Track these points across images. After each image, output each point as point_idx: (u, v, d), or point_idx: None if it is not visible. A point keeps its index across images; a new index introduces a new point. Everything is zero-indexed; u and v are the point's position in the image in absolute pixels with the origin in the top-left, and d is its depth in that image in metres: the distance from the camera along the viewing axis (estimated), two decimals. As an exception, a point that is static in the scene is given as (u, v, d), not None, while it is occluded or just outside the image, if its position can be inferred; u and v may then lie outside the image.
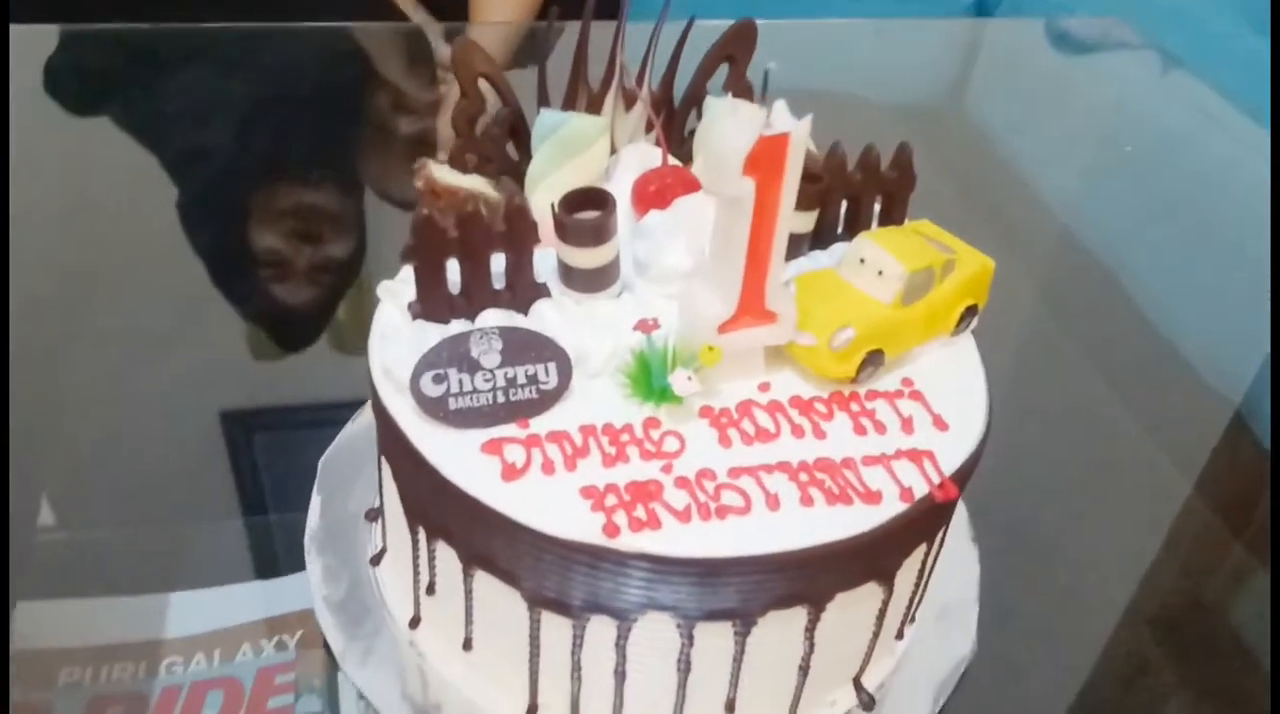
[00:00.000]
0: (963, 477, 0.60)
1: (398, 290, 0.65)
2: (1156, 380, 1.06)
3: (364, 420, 0.82)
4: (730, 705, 0.62)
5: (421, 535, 0.63)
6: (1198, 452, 0.97)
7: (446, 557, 0.61)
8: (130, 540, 0.80)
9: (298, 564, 0.75)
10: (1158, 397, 1.03)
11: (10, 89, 1.14)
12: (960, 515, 0.78)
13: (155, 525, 0.80)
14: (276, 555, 0.77)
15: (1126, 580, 0.83)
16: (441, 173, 0.67)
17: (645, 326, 0.61)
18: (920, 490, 0.57)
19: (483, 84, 0.71)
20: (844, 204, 0.70)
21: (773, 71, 0.72)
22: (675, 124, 0.76)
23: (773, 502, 0.56)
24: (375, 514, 0.74)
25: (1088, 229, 1.28)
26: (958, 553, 0.75)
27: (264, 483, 0.87)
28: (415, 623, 0.69)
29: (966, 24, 1.81)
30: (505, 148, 0.72)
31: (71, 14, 1.41)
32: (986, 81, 1.58)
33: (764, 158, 0.54)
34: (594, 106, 0.73)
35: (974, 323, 0.67)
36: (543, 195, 0.68)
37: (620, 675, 0.60)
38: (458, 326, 0.62)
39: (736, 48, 0.74)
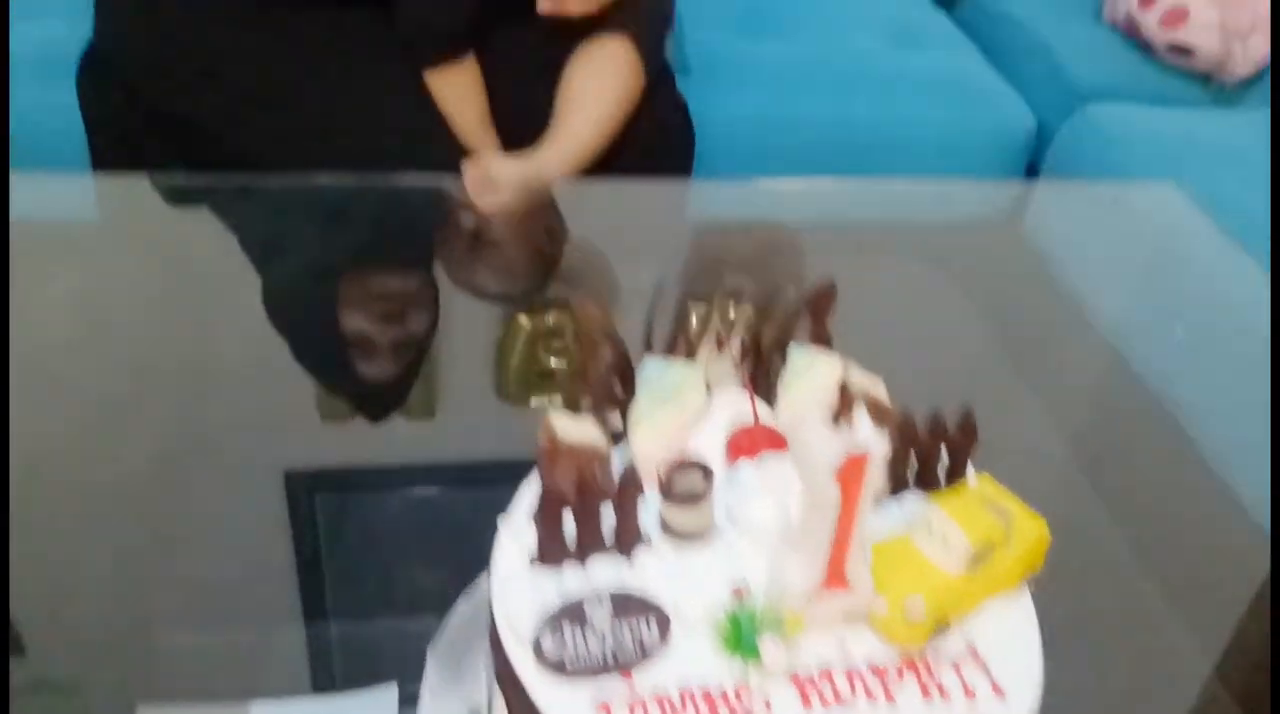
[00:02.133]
0: (1015, 743, 0.67)
1: (516, 527, 0.74)
2: (1203, 527, 1.09)
3: (467, 609, 0.90)
4: None
5: (530, 763, 0.71)
6: (1228, 618, 1.01)
7: (552, 788, 0.69)
8: (206, 647, 0.87)
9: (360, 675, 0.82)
10: (1202, 549, 1.07)
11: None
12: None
13: (230, 631, 0.88)
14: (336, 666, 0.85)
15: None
16: (561, 426, 0.75)
17: (735, 593, 0.69)
18: (976, 758, 0.65)
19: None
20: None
21: None
22: (762, 369, 0.84)
23: (846, 768, 0.63)
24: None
25: (1143, 365, 1.33)
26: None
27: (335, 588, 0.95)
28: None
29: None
30: (614, 388, 0.81)
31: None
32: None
33: (849, 472, 0.62)
34: (691, 351, 0.82)
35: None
36: (644, 434, 0.76)
37: None
38: (570, 572, 0.71)
39: (818, 305, 0.83)
